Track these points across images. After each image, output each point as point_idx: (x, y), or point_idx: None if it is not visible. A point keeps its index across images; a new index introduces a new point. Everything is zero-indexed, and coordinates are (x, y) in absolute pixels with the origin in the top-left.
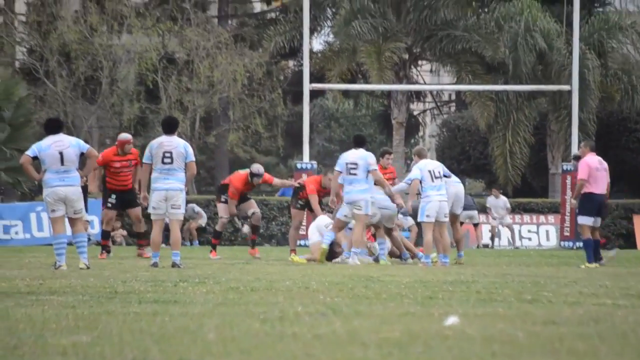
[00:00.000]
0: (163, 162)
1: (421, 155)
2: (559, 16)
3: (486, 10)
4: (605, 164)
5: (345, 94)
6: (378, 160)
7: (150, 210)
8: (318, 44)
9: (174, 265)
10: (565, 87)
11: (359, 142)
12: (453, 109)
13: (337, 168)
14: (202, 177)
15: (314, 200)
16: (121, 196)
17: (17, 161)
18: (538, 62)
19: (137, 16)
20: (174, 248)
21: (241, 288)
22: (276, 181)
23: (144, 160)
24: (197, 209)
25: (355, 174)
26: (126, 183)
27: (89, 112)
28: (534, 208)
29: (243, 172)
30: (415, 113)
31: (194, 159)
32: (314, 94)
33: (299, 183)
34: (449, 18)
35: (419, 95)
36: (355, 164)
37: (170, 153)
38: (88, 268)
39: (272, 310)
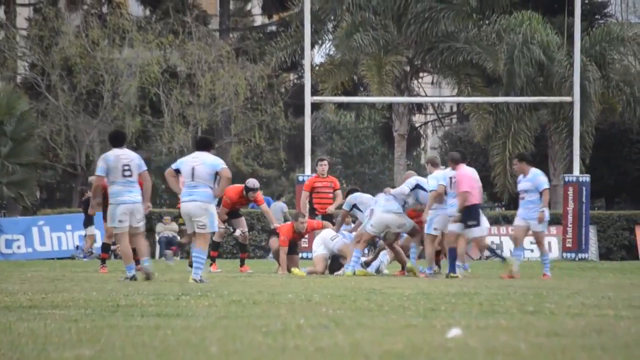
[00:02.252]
0: (124, 175)
1: (435, 164)
2: (560, 28)
3: (487, 22)
4: (477, 174)
5: (346, 106)
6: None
7: (115, 224)
8: (319, 58)
9: (147, 272)
10: (567, 99)
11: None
12: (454, 120)
13: (441, 182)
14: None
15: (282, 252)
16: None
17: (20, 175)
18: (539, 73)
19: (138, 30)
20: (143, 256)
21: (243, 301)
22: (264, 207)
23: (99, 173)
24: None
25: None
26: None
27: (91, 125)
28: None
29: (239, 185)
30: (416, 125)
31: (146, 168)
32: (315, 107)
33: (275, 227)
34: (450, 30)
35: (420, 108)
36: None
37: (129, 165)
38: (200, 281)
39: (275, 323)
